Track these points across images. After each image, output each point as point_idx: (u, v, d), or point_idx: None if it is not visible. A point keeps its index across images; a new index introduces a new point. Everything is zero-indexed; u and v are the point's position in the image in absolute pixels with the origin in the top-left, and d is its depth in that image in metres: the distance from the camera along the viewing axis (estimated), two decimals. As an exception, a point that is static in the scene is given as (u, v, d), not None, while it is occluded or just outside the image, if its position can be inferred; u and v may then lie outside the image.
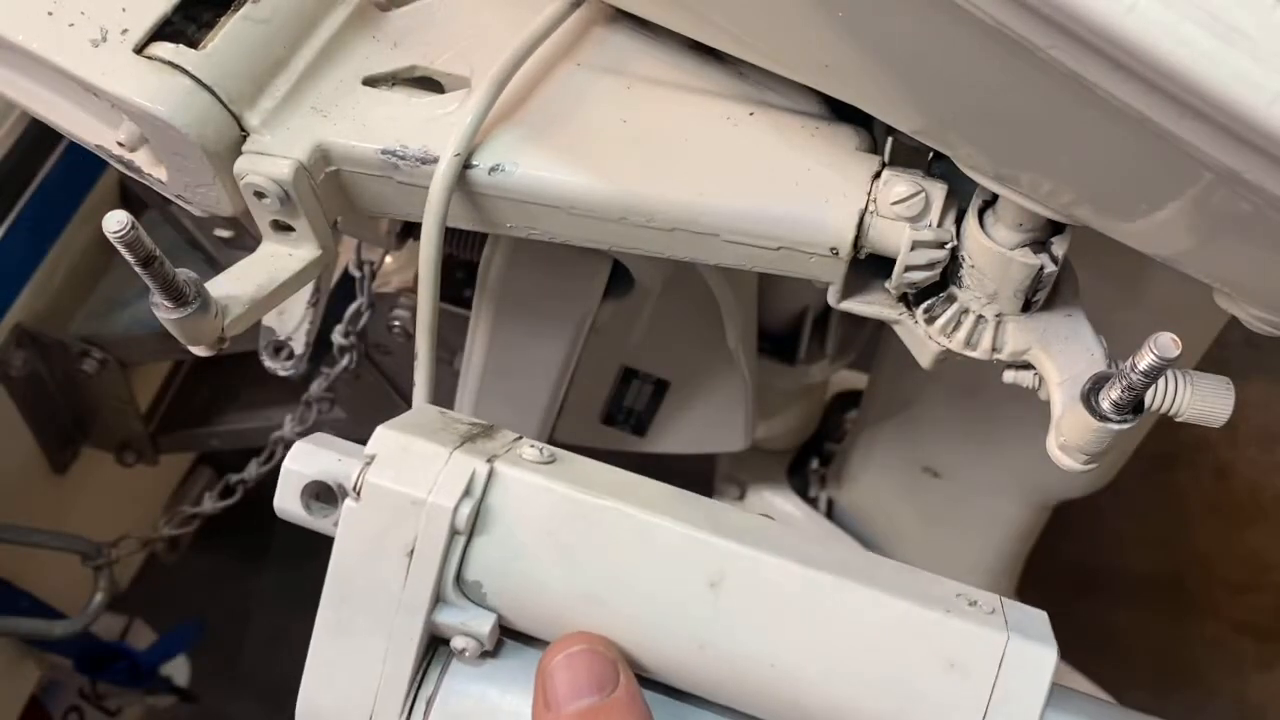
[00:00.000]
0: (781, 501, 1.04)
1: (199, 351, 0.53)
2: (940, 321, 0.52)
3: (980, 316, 0.51)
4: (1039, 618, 0.38)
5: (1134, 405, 0.45)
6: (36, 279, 1.08)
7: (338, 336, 0.94)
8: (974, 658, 0.35)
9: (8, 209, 1.03)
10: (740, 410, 0.93)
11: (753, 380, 0.89)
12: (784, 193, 0.51)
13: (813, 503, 1.05)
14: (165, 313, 0.51)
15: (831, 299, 0.54)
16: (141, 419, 1.22)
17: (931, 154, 0.51)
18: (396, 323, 0.97)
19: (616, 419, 0.94)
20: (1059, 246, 0.49)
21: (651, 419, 0.95)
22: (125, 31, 0.54)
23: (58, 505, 1.20)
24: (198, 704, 1.37)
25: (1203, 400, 0.49)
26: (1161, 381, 0.49)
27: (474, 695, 0.41)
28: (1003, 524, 0.97)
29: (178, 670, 1.32)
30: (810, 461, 1.08)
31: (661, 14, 0.54)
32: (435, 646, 0.42)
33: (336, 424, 1.08)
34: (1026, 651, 0.35)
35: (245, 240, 1.01)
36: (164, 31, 0.54)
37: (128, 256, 0.47)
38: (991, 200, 0.49)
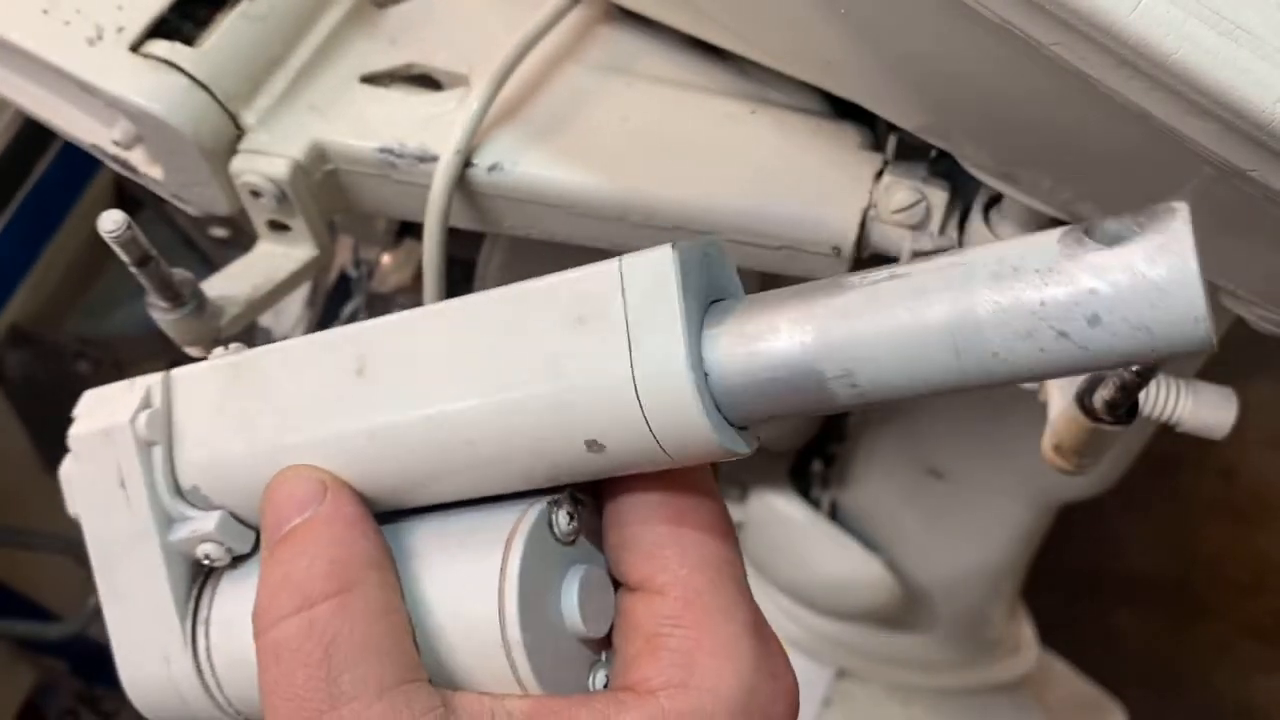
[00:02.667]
0: (784, 503, 1.04)
1: (194, 352, 0.53)
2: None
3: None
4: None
5: (1128, 406, 0.45)
6: (31, 279, 1.08)
7: (336, 337, 0.94)
8: (594, 297, 0.32)
9: (2, 208, 1.03)
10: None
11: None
12: (786, 191, 0.51)
13: (816, 504, 1.04)
14: (161, 313, 0.51)
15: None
16: (137, 420, 1.22)
17: (935, 151, 0.51)
18: (395, 323, 0.97)
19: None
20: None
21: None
22: (121, 29, 0.53)
23: (52, 507, 1.20)
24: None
25: (1204, 410, 0.49)
26: (1161, 391, 0.49)
27: (241, 597, 0.39)
28: (1007, 526, 0.97)
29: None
30: (813, 463, 1.08)
31: (662, 11, 0.54)
32: (206, 571, 0.41)
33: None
34: (639, 262, 0.31)
35: (241, 240, 1.00)
36: (160, 29, 0.54)
37: (123, 256, 0.47)
38: (997, 198, 0.49)
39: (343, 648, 0.32)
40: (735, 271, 0.34)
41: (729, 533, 0.35)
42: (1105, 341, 0.26)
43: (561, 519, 0.35)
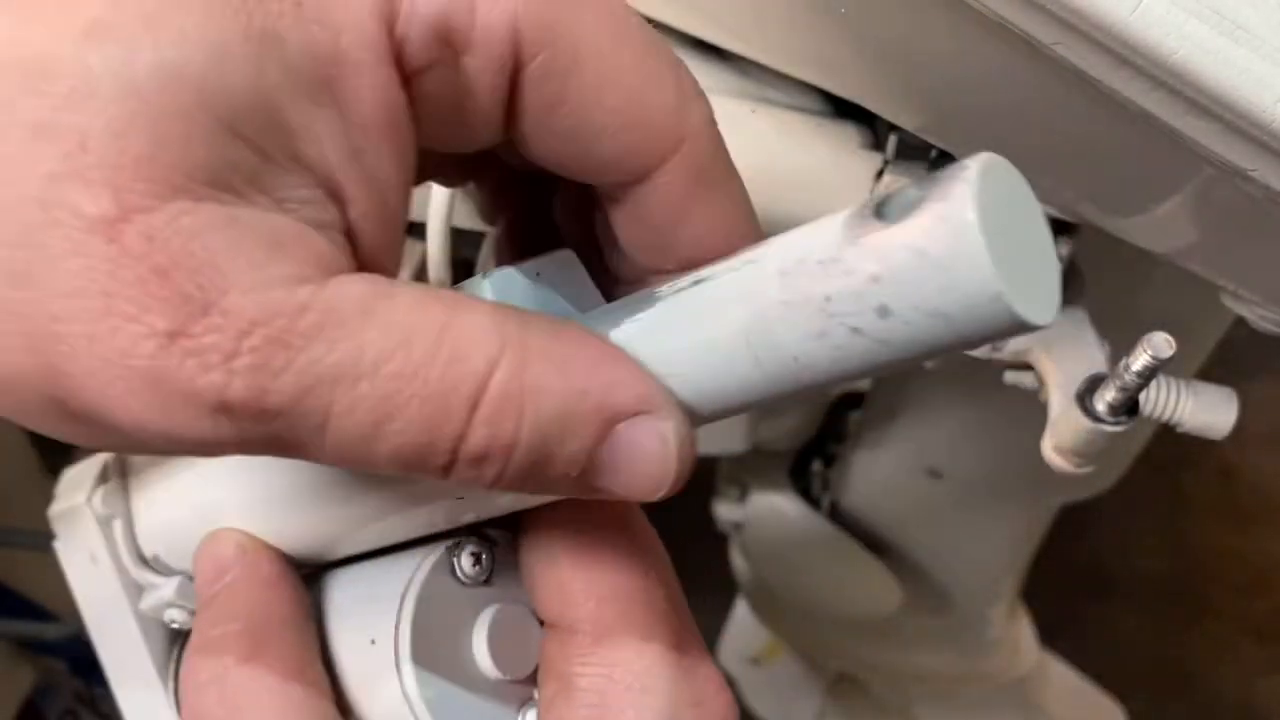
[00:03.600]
0: (784, 503, 1.04)
1: (194, 352, 0.53)
2: (942, 321, 0.51)
3: (982, 315, 0.51)
4: None
5: (1128, 407, 0.45)
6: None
7: (337, 337, 0.93)
8: None
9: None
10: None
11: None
12: (785, 192, 0.51)
13: (816, 504, 1.04)
14: (160, 313, 0.51)
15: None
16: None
17: (935, 151, 0.51)
18: (396, 323, 0.96)
19: (616, 420, 0.93)
20: (1064, 246, 0.48)
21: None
22: (120, 29, 0.53)
23: (54, 506, 1.20)
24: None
25: (1204, 411, 0.49)
26: (1162, 391, 0.49)
27: None
28: (1007, 525, 0.97)
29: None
30: (813, 463, 1.08)
31: (661, 10, 0.54)
32: (185, 633, 0.42)
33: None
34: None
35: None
36: (159, 29, 0.54)
37: (123, 256, 0.47)
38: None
39: (252, 709, 0.33)
40: (589, 285, 0.33)
41: (643, 556, 0.34)
42: (903, 333, 0.22)
43: (465, 562, 0.34)
